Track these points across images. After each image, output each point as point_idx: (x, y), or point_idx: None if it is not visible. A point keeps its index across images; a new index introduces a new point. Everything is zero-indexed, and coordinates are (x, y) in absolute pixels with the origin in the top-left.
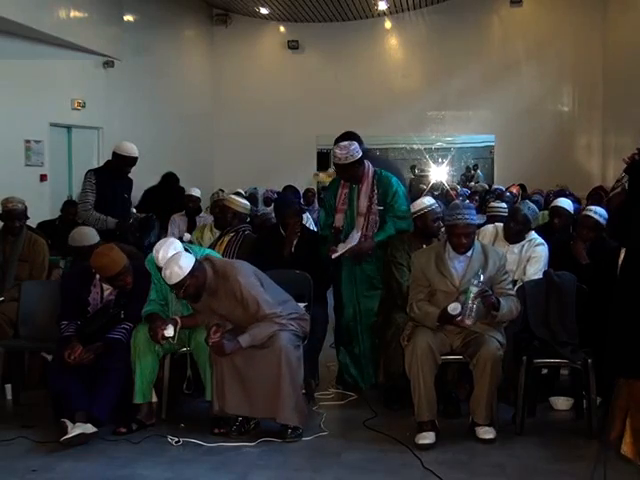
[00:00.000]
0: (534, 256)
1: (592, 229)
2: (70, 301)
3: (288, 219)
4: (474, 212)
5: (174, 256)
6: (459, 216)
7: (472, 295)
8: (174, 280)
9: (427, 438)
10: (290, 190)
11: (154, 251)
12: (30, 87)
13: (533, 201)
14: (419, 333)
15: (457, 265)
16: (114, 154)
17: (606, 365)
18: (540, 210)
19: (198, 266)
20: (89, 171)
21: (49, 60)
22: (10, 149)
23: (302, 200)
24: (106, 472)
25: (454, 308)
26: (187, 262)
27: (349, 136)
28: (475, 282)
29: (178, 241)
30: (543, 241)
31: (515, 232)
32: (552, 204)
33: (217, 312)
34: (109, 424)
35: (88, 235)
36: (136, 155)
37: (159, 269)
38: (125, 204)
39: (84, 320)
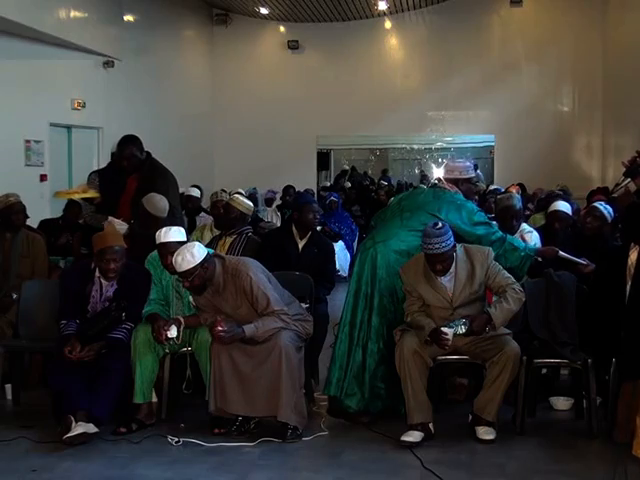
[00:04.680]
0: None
1: (597, 219)
2: (70, 299)
3: (307, 213)
4: (449, 234)
5: (187, 244)
6: (431, 245)
7: (463, 336)
8: (184, 267)
9: (411, 436)
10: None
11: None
12: (30, 87)
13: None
14: (407, 336)
15: (444, 280)
16: None
17: (622, 368)
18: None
19: (209, 259)
20: (92, 172)
21: (49, 60)
22: (10, 149)
23: None
24: (106, 472)
25: (446, 332)
26: (200, 252)
27: (130, 139)
28: (459, 330)
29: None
30: (532, 229)
31: (513, 226)
32: (550, 208)
33: (221, 310)
34: (109, 424)
35: (158, 206)
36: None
37: (160, 268)
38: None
39: (85, 321)
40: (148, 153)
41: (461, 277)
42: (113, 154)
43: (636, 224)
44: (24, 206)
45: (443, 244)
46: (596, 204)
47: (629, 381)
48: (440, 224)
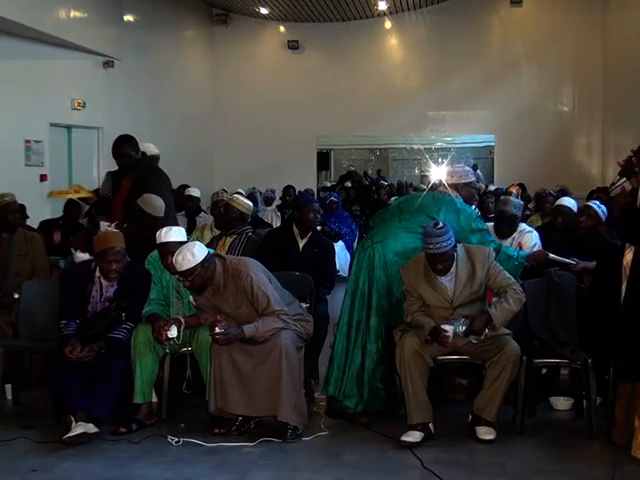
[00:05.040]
0: (523, 242)
1: (591, 218)
2: (70, 299)
3: (308, 213)
4: (450, 234)
5: (188, 244)
6: (432, 245)
7: (462, 336)
8: (185, 266)
9: (411, 436)
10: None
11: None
12: (30, 87)
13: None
14: (408, 336)
15: (445, 280)
16: None
17: (619, 369)
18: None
19: (210, 258)
20: (107, 173)
21: (49, 60)
22: (10, 149)
23: None
24: (106, 472)
25: (446, 329)
26: (200, 251)
27: (125, 139)
28: (458, 329)
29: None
30: (532, 229)
31: (506, 231)
32: (556, 203)
33: (221, 310)
34: (109, 424)
35: (155, 206)
36: (156, 153)
37: (160, 268)
38: None
39: (85, 321)
40: (144, 153)
41: (462, 277)
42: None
43: (630, 225)
44: (20, 206)
45: (444, 244)
46: (589, 203)
47: (626, 382)
48: (441, 224)
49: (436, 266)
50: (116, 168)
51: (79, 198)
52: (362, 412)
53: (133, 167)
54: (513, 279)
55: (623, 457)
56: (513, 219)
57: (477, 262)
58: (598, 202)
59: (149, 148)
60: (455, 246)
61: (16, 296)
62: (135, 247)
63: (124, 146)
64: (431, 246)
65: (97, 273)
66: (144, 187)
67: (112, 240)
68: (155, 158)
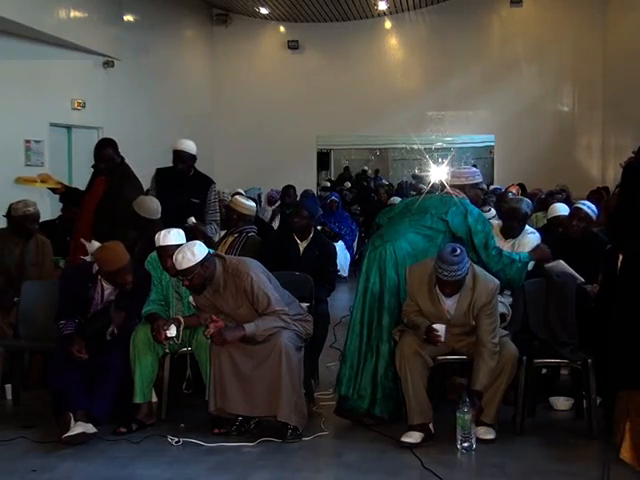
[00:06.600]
0: (523, 243)
1: (582, 220)
2: (69, 299)
3: (293, 216)
4: (465, 261)
5: (189, 243)
6: (446, 272)
7: (469, 424)
8: (184, 265)
9: (411, 437)
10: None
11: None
12: (30, 87)
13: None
14: (407, 336)
15: (446, 299)
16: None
17: (611, 376)
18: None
19: (209, 258)
20: (156, 170)
21: (49, 60)
22: (10, 149)
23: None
24: (106, 472)
25: (437, 328)
26: (200, 251)
27: (108, 142)
28: (465, 410)
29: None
30: (534, 230)
31: (515, 229)
32: (550, 215)
33: (221, 310)
34: (109, 424)
35: (151, 209)
36: (179, 148)
37: (159, 269)
38: (188, 210)
39: (84, 320)
40: (122, 158)
41: (463, 302)
42: (175, 165)
43: (615, 230)
44: (39, 214)
45: (458, 272)
46: (579, 205)
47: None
48: (458, 250)
49: (445, 289)
50: (167, 165)
51: (48, 188)
52: (375, 412)
53: (113, 171)
54: (497, 327)
55: (611, 455)
56: (525, 218)
57: (480, 293)
58: (588, 202)
59: (189, 146)
60: (467, 272)
61: (15, 299)
62: (134, 249)
63: (107, 149)
64: (445, 273)
65: (100, 275)
66: (118, 193)
67: (124, 256)
68: (186, 157)
